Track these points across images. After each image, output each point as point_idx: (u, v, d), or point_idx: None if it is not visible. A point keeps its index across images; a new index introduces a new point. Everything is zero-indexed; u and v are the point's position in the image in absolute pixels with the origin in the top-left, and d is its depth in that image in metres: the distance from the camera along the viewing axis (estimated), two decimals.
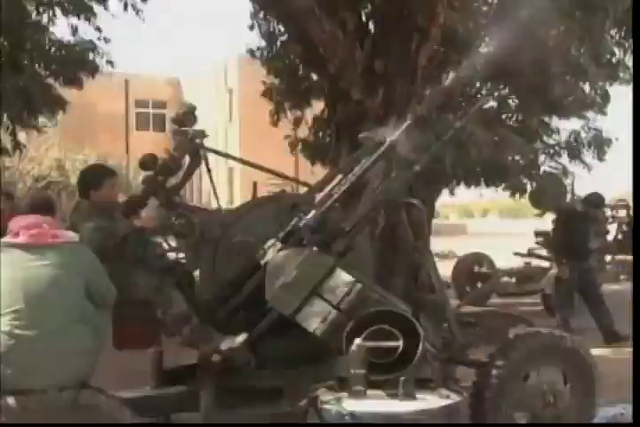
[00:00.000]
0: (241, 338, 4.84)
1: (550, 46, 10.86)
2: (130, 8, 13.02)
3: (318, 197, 5.16)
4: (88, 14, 12.99)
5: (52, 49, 13.29)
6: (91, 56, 13.38)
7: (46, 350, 4.06)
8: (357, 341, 4.17)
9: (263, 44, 13.88)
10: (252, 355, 4.86)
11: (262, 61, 13.91)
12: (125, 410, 4.18)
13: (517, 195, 13.72)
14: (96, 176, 5.44)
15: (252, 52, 14.11)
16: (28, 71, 12.93)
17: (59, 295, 4.19)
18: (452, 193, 14.23)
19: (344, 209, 5.27)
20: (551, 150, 13.79)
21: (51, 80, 13.42)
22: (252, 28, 13.40)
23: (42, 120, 14.93)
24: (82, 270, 4.34)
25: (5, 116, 13.57)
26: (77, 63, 13.28)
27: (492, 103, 13.15)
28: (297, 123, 14.66)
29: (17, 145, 14.60)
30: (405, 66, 9.85)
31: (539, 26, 9.84)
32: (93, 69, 13.53)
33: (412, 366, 4.21)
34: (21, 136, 15.07)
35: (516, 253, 14.06)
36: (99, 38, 13.44)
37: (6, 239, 4.35)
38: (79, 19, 12.96)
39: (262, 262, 4.86)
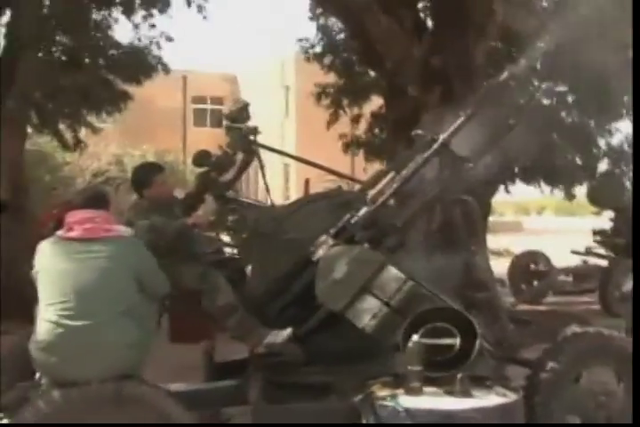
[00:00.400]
0: (286, 333, 4.87)
1: (612, 43, 10.66)
2: (193, 5, 13.16)
3: (370, 193, 5.14)
4: (149, 12, 13.14)
5: (112, 49, 13.50)
6: (148, 58, 13.57)
7: (92, 342, 4.10)
8: (414, 338, 4.17)
9: (320, 41, 13.91)
10: (300, 350, 4.88)
11: (318, 58, 13.92)
12: (171, 401, 4.19)
13: (573, 194, 13.55)
14: (144, 174, 5.51)
15: (307, 50, 14.13)
16: (88, 69, 13.14)
17: (107, 288, 4.23)
18: (507, 191, 14.11)
19: (396, 206, 5.24)
20: (611, 152, 13.57)
21: (111, 77, 13.65)
22: (309, 24, 13.48)
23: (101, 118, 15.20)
24: (133, 264, 4.38)
25: (67, 112, 13.85)
26: (135, 64, 13.48)
27: (549, 101, 12.99)
28: (356, 120, 14.66)
29: (78, 141, 14.89)
30: (463, 62, 9.77)
31: (600, 22, 9.66)
32: (150, 71, 13.74)
33: (469, 363, 4.20)
34: (82, 132, 15.32)
35: (574, 252, 13.86)
36: (160, 35, 13.65)
37: (60, 233, 4.43)
38: (131, 14, 13.06)
39: (314, 259, 4.87)
